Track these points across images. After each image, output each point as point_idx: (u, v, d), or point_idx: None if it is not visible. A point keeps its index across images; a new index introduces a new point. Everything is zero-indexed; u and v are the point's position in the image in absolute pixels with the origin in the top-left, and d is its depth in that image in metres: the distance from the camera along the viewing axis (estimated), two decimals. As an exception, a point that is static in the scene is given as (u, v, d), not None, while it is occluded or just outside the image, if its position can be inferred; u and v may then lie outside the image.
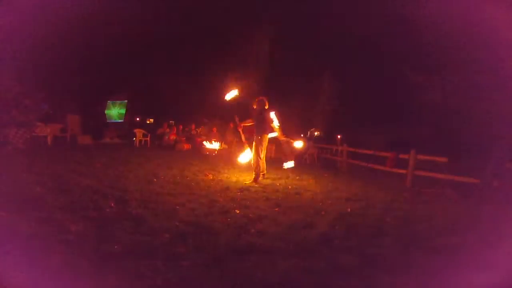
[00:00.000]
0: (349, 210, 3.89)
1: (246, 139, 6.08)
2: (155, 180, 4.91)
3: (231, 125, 13.01)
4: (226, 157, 9.51)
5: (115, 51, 13.51)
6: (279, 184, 5.48)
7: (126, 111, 16.09)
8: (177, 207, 3.47)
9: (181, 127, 12.76)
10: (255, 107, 5.73)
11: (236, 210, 3.54)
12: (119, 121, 15.80)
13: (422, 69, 11.61)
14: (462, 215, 3.87)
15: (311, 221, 3.31)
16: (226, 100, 5.98)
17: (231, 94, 5.91)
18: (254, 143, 5.65)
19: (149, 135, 12.27)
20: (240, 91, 5.92)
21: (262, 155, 5.58)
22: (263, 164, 5.59)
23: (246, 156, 6.02)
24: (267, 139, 5.68)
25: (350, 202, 4.36)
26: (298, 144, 6.49)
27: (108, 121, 15.50)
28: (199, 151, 10.85)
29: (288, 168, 6.83)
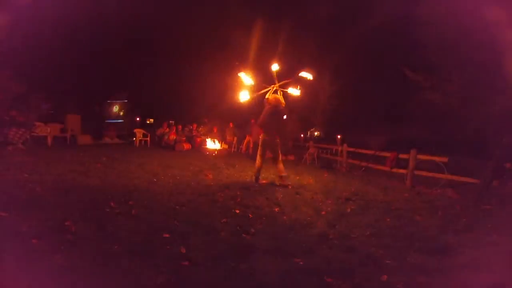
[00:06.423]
0: (349, 210, 3.89)
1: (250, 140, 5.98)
2: (155, 180, 4.91)
3: (231, 124, 13.02)
4: (226, 157, 9.51)
5: (115, 51, 13.54)
6: (279, 184, 5.48)
7: (126, 111, 16.15)
8: (177, 207, 3.47)
9: (180, 127, 12.77)
10: (268, 105, 5.46)
11: (236, 210, 3.54)
12: (119, 121, 15.83)
13: (421, 69, 11.63)
14: (462, 215, 3.87)
15: (311, 221, 3.31)
16: (239, 101, 5.83)
17: (244, 96, 5.75)
18: (261, 143, 5.54)
19: (149, 135, 12.28)
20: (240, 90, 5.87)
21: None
22: (260, 163, 5.54)
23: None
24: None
25: (350, 202, 4.36)
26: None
27: (108, 121, 15.53)
28: (199, 151, 10.85)
29: (287, 168, 6.81)
